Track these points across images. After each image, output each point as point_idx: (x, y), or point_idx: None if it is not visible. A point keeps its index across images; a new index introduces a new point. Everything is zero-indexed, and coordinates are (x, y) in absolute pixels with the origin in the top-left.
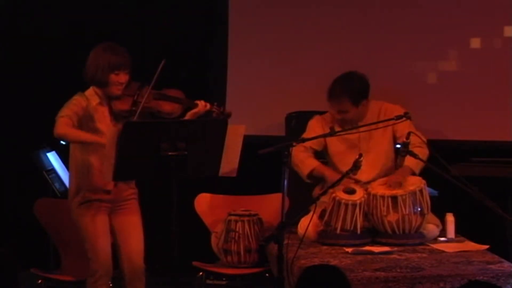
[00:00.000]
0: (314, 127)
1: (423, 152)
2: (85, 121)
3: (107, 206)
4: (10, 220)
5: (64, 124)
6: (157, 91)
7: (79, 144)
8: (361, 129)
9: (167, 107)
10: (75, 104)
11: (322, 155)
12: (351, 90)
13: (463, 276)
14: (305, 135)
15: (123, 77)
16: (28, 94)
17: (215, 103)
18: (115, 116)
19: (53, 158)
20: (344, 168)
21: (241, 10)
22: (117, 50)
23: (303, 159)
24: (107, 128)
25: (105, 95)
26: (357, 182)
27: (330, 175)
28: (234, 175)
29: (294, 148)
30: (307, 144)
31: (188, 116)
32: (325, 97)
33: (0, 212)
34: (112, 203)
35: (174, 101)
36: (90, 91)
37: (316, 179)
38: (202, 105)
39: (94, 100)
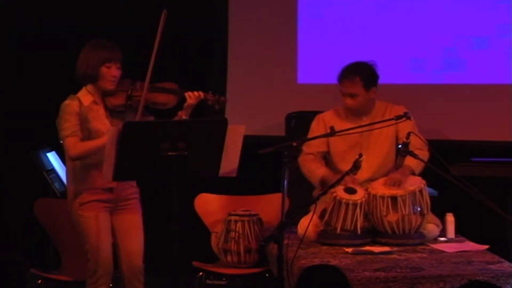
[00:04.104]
0: (314, 129)
1: (424, 154)
2: (81, 124)
3: (108, 205)
4: (10, 220)
5: (74, 144)
6: (151, 84)
7: None
8: (362, 128)
9: (161, 98)
10: (69, 113)
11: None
12: (363, 72)
13: (463, 276)
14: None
15: (114, 71)
16: (28, 94)
17: (210, 91)
18: (111, 112)
19: (53, 158)
20: (345, 167)
21: (241, 10)
22: (106, 44)
23: (310, 169)
24: (103, 126)
25: (98, 92)
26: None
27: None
28: (234, 175)
29: (302, 157)
30: (313, 149)
31: (184, 109)
32: (327, 98)
33: (0, 212)
34: (114, 203)
35: (168, 92)
36: (83, 91)
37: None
38: (192, 97)
39: (88, 100)
